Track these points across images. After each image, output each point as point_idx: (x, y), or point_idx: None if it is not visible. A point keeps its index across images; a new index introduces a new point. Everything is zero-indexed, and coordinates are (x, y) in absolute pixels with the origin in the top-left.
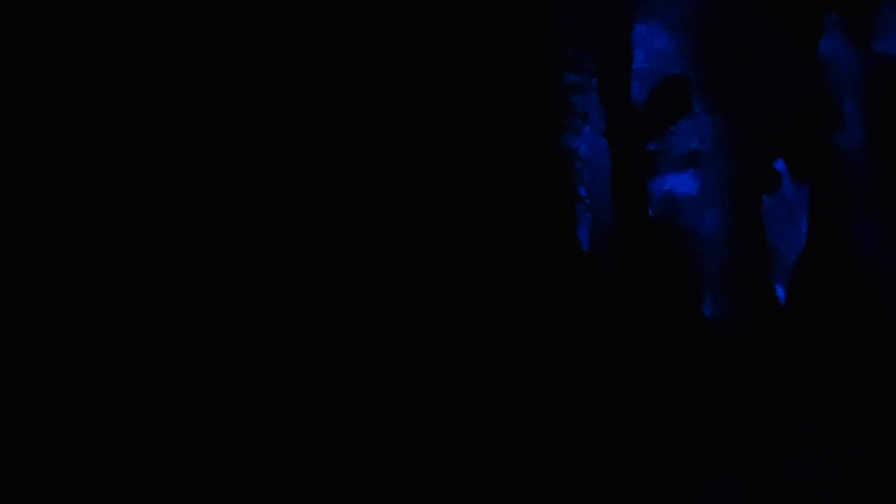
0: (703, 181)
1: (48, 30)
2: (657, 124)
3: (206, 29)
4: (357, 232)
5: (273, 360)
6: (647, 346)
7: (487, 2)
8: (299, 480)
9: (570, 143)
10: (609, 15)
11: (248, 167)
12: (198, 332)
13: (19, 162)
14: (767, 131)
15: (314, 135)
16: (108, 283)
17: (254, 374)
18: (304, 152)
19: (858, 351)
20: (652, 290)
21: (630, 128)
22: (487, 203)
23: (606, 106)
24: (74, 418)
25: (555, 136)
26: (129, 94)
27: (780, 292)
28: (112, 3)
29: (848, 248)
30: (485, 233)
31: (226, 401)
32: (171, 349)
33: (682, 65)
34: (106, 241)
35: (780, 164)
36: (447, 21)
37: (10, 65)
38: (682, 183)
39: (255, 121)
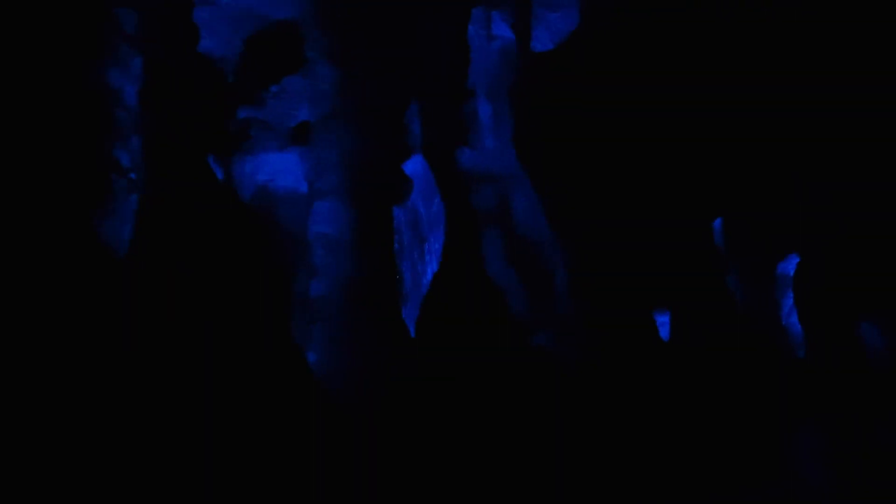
0: (314, 164)
1: None
2: (251, 83)
3: None
4: None
5: None
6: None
7: None
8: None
9: (107, 80)
10: None
11: None
12: None
13: None
14: (401, 103)
15: None
16: None
17: None
18: None
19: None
20: (227, 313)
21: (208, 85)
22: None
23: (169, 42)
24: None
25: (80, 62)
26: None
27: (411, 323)
28: None
29: (482, 271)
30: None
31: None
32: None
33: (291, 6)
34: None
35: (411, 166)
36: None
37: None
38: (285, 168)
39: None
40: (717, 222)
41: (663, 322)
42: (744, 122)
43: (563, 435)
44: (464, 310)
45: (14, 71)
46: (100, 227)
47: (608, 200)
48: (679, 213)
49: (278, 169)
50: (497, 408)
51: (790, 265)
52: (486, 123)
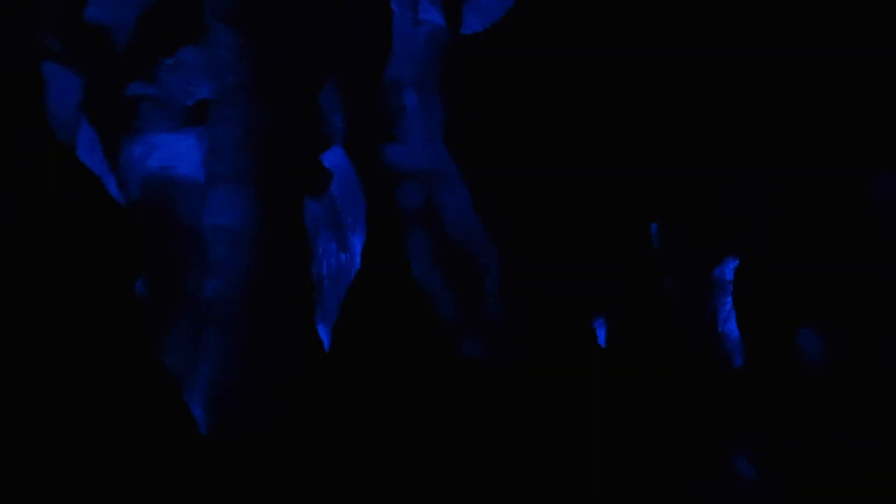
0: (213, 146)
1: None
2: (140, 54)
3: None
4: None
5: None
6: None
7: None
8: None
9: None
10: None
11: None
12: None
13: None
14: (315, 79)
15: None
16: None
17: None
18: None
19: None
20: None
21: (93, 57)
22: None
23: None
24: None
25: None
26: None
27: (326, 330)
28: None
29: (407, 273)
30: None
31: None
32: None
33: None
34: None
35: (330, 158)
36: None
37: None
38: (180, 151)
39: None
40: (654, 225)
41: (599, 327)
42: (691, 117)
43: (493, 447)
44: (386, 316)
45: None
46: None
47: (543, 199)
48: (617, 213)
49: (173, 152)
50: (424, 422)
51: (728, 269)
52: (413, 115)
